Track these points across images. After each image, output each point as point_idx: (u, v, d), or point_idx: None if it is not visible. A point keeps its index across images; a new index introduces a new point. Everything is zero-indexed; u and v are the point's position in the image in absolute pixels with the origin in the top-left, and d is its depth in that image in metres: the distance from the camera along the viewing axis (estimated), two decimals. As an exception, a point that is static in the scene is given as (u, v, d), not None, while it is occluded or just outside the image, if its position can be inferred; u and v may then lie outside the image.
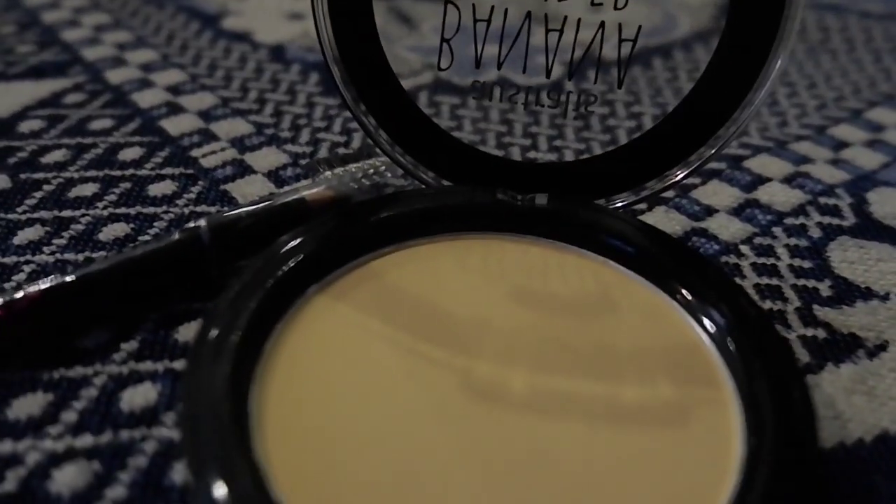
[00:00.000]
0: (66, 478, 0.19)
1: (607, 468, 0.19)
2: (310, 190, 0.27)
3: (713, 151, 0.25)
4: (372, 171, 0.29)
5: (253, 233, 0.25)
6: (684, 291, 0.23)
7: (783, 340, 0.21)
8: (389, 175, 0.29)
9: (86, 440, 0.20)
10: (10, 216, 0.28)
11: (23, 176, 0.30)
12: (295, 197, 0.26)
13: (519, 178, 0.26)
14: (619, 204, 0.26)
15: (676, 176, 0.26)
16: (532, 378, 0.21)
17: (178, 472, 0.20)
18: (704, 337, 0.22)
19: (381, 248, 0.25)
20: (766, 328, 0.21)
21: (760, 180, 0.32)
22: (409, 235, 0.25)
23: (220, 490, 0.17)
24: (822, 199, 0.31)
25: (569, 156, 0.32)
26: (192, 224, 0.25)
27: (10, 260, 0.26)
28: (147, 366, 0.22)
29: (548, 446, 0.19)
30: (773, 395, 0.19)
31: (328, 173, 0.28)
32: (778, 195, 0.31)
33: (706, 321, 0.22)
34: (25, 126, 0.33)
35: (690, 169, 0.26)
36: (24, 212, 0.28)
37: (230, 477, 0.17)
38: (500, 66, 0.26)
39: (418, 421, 0.20)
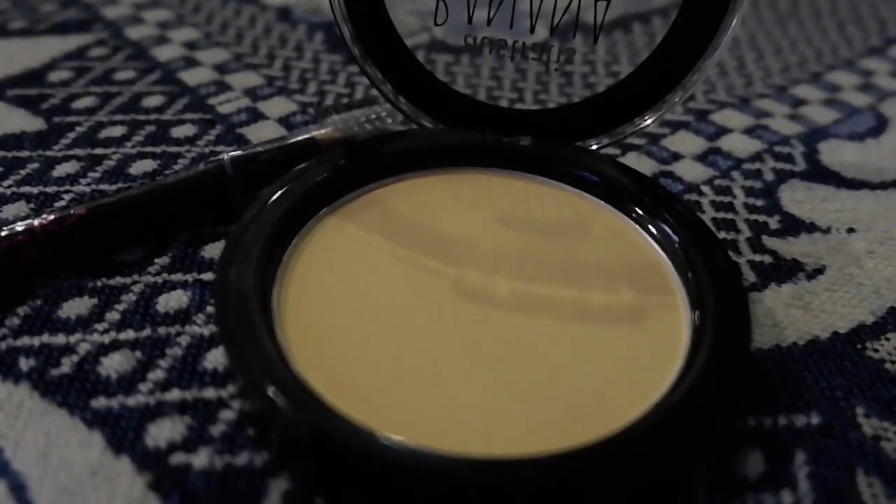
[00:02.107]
0: (114, 363, 0.23)
1: (577, 356, 0.22)
2: (320, 131, 0.30)
3: (677, 99, 0.28)
4: (375, 116, 0.32)
5: (270, 166, 0.28)
6: (640, 211, 0.26)
7: (725, 252, 0.24)
8: (390, 121, 0.32)
9: (128, 334, 0.24)
10: (48, 153, 0.31)
11: (56, 119, 0.33)
12: (307, 136, 0.30)
13: (507, 124, 0.29)
14: (595, 147, 0.29)
15: (645, 121, 0.29)
16: (514, 285, 0.24)
17: (210, 360, 0.23)
18: (661, 254, 0.25)
19: (384, 179, 0.28)
20: (710, 241, 0.25)
21: (723, 131, 0.35)
22: (408, 169, 0.28)
23: (252, 363, 0.20)
24: (778, 148, 0.34)
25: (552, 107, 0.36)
26: (216, 157, 0.28)
27: (51, 189, 0.29)
28: (178, 277, 0.26)
29: (526, 338, 0.23)
30: (715, 295, 0.23)
31: (335, 117, 0.31)
32: (738, 144, 0.34)
33: (660, 235, 0.25)
34: (55, 76, 0.36)
35: (658, 115, 0.29)
36: (61, 150, 0.31)
37: (260, 353, 0.20)
38: (489, 23, 0.29)
39: (415, 317, 0.23)
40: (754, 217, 0.30)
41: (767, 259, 0.28)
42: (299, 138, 0.30)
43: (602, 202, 0.27)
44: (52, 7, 0.42)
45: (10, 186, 0.29)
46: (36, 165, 0.30)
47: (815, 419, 0.22)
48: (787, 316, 0.26)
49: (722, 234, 0.29)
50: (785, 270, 0.27)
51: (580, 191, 0.28)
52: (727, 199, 0.31)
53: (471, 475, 0.18)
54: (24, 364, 0.22)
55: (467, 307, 0.23)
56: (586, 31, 0.29)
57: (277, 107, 0.35)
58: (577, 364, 0.22)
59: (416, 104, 0.30)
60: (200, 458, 0.20)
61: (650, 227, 0.26)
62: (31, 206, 0.28)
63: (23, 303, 0.24)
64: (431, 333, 0.23)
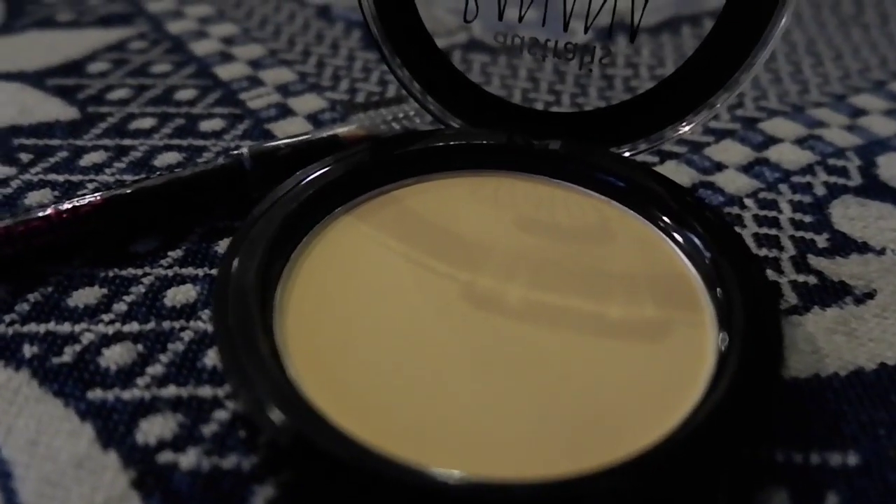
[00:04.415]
0: (115, 355, 0.22)
1: (589, 372, 0.21)
2: (343, 128, 0.29)
3: (719, 104, 0.26)
4: (402, 115, 0.31)
5: (290, 162, 0.28)
6: (670, 221, 0.24)
7: (761, 269, 0.23)
8: (418, 121, 0.31)
9: (133, 327, 0.23)
10: (77, 142, 0.31)
11: (90, 109, 0.34)
12: (329, 133, 0.29)
13: (538, 126, 0.28)
14: (628, 153, 0.28)
15: (685, 126, 0.27)
16: (528, 292, 0.23)
17: (210, 357, 0.22)
18: (691, 267, 0.24)
19: (404, 179, 0.27)
20: (745, 256, 0.23)
21: (772, 141, 0.33)
22: (430, 169, 0.27)
23: (243, 362, 0.19)
24: (831, 161, 0.32)
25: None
26: (235, 151, 0.28)
27: (76, 178, 0.29)
28: (189, 270, 0.25)
29: (535, 348, 0.21)
30: (746, 315, 0.21)
31: (361, 114, 0.30)
32: (787, 155, 0.32)
33: (690, 247, 0.24)
34: (94, 67, 0.37)
35: (699, 120, 0.27)
36: (90, 139, 0.32)
37: (252, 352, 0.19)
38: (520, 19, 0.28)
39: (421, 319, 0.22)
40: (801, 234, 0.28)
41: (812, 280, 0.26)
42: (322, 135, 0.29)
43: (631, 210, 0.26)
44: (98, 0, 0.43)
45: (37, 173, 0.29)
46: (65, 154, 0.31)
47: (852, 458, 0.20)
48: (829, 343, 0.23)
49: (763, 252, 0.27)
50: (831, 293, 0.25)
51: (608, 198, 0.26)
52: (772, 213, 0.29)
53: (459, 498, 0.17)
54: (28, 350, 0.22)
55: (476, 314, 0.22)
56: (627, 32, 0.27)
57: (307, 103, 0.34)
58: (588, 381, 0.20)
59: (444, 104, 0.29)
60: (188, 458, 0.20)
61: (680, 238, 0.24)
62: (56, 193, 0.28)
63: (34, 289, 0.24)
64: (436, 340, 0.21)
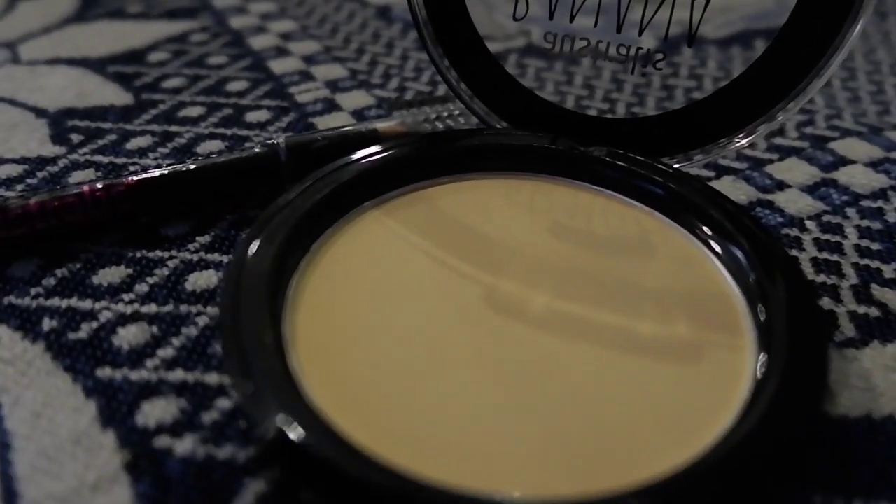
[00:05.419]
0: (129, 335, 0.22)
1: (608, 386, 0.19)
2: (383, 123, 0.29)
3: (780, 117, 0.25)
4: (447, 114, 0.30)
5: (326, 154, 0.27)
6: (716, 236, 0.23)
7: (812, 294, 0.21)
8: (462, 122, 0.30)
9: (151, 308, 0.23)
10: (127, 126, 0.32)
11: (144, 96, 0.34)
12: (369, 127, 0.28)
13: (587, 132, 0.27)
14: (678, 164, 0.26)
15: (742, 139, 0.25)
16: (552, 300, 0.22)
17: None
18: (734, 287, 0.22)
19: (438, 178, 0.26)
20: (795, 280, 0.21)
21: (843, 162, 0.30)
22: (465, 169, 0.26)
23: (243, 348, 0.19)
24: (908, 186, 0.29)
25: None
26: (272, 140, 0.27)
27: (121, 160, 0.30)
28: (215, 257, 0.25)
29: (554, 360, 0.20)
30: (789, 342, 0.19)
31: (404, 111, 0.30)
32: (859, 177, 0.29)
33: (734, 266, 0.22)
34: (154, 57, 0.38)
35: (755, 135, 0.25)
36: (140, 124, 0.32)
37: (255, 340, 0.19)
38: (571, 19, 0.27)
39: (438, 321, 0.21)
40: (865, 262, 0.25)
41: (874, 312, 0.23)
42: (361, 129, 0.28)
43: (674, 223, 0.24)
44: (168, -6, 0.44)
45: (84, 154, 0.30)
46: (114, 137, 0.31)
47: (901, 509, 0.18)
48: (886, 381, 0.21)
49: (821, 278, 0.25)
50: (894, 328, 0.23)
51: (651, 209, 0.25)
52: (835, 238, 0.26)
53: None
54: (47, 324, 0.22)
55: (495, 317, 0.21)
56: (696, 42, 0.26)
57: (354, 99, 0.34)
58: (608, 399, 0.19)
59: (492, 107, 0.28)
60: (184, 445, 0.19)
61: (725, 255, 0.22)
62: (99, 174, 0.29)
63: (63, 264, 0.24)
64: (451, 344, 0.20)
